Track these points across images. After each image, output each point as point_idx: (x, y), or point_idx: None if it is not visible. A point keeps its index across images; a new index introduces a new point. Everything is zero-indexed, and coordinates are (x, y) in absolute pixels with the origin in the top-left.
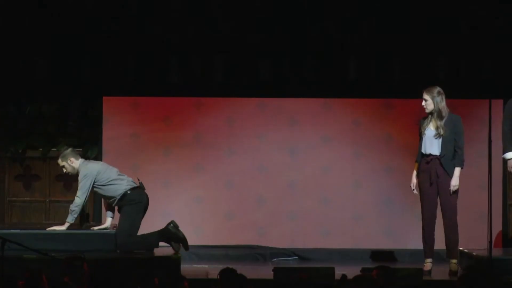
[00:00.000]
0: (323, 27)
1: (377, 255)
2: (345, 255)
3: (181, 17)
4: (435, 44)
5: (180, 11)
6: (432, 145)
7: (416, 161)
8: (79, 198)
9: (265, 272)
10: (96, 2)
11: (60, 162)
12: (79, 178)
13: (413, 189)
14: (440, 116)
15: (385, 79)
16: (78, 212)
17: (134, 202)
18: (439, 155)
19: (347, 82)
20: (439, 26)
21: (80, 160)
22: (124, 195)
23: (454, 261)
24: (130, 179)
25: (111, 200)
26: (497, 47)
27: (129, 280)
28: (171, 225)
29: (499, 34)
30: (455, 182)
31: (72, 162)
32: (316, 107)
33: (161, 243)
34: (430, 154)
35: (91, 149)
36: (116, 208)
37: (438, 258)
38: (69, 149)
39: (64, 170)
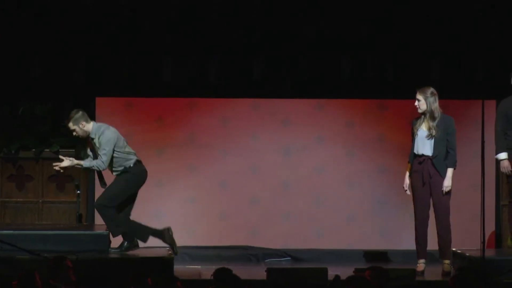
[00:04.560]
0: (316, 28)
1: (370, 255)
2: (338, 256)
3: (175, 17)
4: (428, 44)
5: (174, 11)
6: (424, 145)
7: (408, 162)
8: (103, 163)
9: (258, 272)
10: (90, 2)
11: (72, 126)
12: (103, 141)
13: (406, 190)
14: (432, 117)
15: (378, 80)
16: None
17: (135, 174)
18: (431, 156)
19: (340, 82)
20: (432, 27)
21: (93, 123)
22: (131, 166)
23: (447, 261)
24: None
25: (118, 169)
26: (490, 47)
27: (122, 280)
28: (168, 231)
29: (491, 35)
30: (447, 183)
31: (83, 126)
32: (309, 107)
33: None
34: (422, 155)
35: (84, 149)
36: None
37: (431, 258)
38: (80, 113)
39: (74, 134)
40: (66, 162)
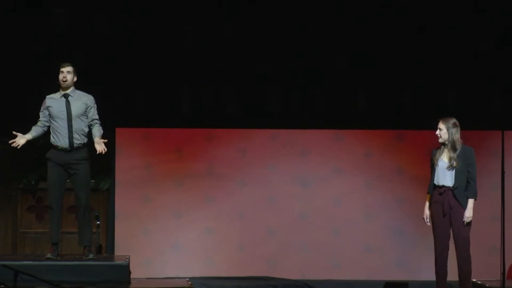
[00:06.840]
0: (333, 59)
1: (388, 286)
2: (356, 287)
3: (192, 49)
4: (446, 75)
5: (191, 42)
6: (445, 176)
7: (428, 193)
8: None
9: None
10: (107, 33)
11: (71, 69)
12: (94, 107)
13: (427, 221)
14: (453, 148)
15: (396, 111)
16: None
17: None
18: (452, 187)
19: (358, 113)
20: (449, 57)
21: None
22: (85, 143)
23: None
24: None
25: (80, 142)
26: (508, 78)
27: None
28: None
29: (509, 65)
30: (468, 213)
31: (75, 79)
32: (327, 138)
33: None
34: (443, 186)
35: (104, 180)
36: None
37: None
38: None
39: (63, 75)
40: (22, 140)
